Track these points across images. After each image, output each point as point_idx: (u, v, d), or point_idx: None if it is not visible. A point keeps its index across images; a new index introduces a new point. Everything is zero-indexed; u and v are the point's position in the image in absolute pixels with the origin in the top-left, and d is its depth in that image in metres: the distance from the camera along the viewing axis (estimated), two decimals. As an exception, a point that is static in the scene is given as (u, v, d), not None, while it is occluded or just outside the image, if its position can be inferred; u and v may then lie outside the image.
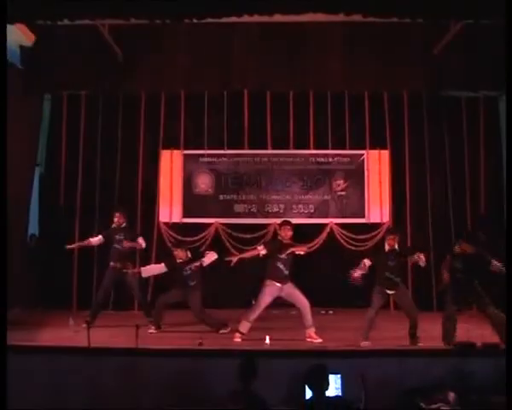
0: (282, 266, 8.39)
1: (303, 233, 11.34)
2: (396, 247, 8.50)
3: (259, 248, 8.70)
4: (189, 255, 9.29)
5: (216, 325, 8.98)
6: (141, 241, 9.83)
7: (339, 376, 6.46)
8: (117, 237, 9.76)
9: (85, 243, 9.99)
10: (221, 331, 8.86)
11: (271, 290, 8.38)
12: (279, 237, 8.76)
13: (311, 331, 8.30)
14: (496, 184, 11.35)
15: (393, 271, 8.37)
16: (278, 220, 10.74)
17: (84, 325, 7.82)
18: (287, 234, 8.54)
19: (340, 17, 8.35)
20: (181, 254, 9.20)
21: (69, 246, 9.99)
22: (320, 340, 8.22)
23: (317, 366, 5.24)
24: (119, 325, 9.12)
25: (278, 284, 8.36)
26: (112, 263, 9.70)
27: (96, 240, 9.92)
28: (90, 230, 11.36)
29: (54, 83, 10.90)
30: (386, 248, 8.55)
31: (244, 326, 8.36)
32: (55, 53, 10.62)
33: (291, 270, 8.50)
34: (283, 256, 8.41)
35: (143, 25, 8.90)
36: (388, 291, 8.37)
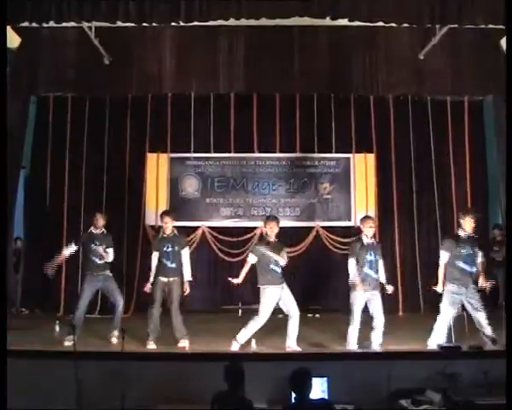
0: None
1: (289, 236, 11.39)
2: (374, 239, 8.21)
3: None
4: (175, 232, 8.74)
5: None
6: (110, 253, 8.86)
7: (325, 379, 6.48)
8: (92, 245, 8.78)
9: (60, 258, 8.98)
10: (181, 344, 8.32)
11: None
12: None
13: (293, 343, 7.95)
14: (481, 188, 11.46)
15: (372, 266, 7.98)
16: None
17: (69, 340, 7.76)
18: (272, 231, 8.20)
19: (327, 21, 8.40)
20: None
21: (49, 270, 8.76)
22: (300, 349, 7.88)
23: (299, 369, 5.25)
24: (105, 329, 9.05)
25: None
26: (89, 272, 8.86)
27: (69, 251, 8.91)
28: (76, 233, 11.32)
29: (39, 85, 10.85)
30: (365, 240, 8.10)
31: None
32: (41, 55, 10.57)
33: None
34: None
35: (130, 27, 8.88)
36: (366, 291, 7.87)
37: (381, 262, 8.13)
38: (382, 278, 8.11)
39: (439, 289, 7.91)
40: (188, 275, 8.62)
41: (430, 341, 7.77)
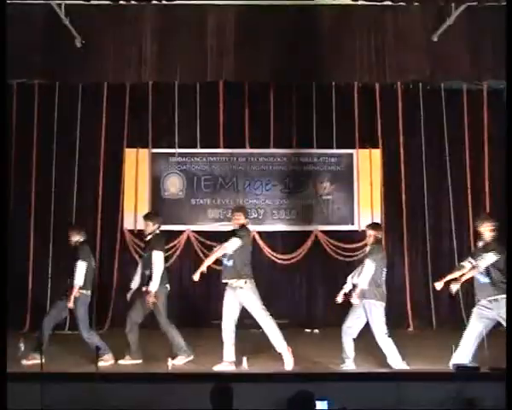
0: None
1: (285, 242, 11.35)
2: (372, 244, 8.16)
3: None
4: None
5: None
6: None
7: (325, 402, 6.39)
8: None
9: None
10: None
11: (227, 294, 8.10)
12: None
13: (286, 356, 7.87)
14: (501, 187, 11.39)
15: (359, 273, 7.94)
16: (257, 228, 10.74)
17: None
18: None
19: (327, -1, 8.37)
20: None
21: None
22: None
23: (301, 392, 5.16)
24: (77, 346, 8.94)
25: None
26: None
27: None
28: (44, 240, 11.22)
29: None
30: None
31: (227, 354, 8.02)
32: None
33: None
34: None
35: (105, 5, 8.81)
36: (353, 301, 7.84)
37: (366, 266, 7.89)
38: (361, 282, 7.81)
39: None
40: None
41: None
